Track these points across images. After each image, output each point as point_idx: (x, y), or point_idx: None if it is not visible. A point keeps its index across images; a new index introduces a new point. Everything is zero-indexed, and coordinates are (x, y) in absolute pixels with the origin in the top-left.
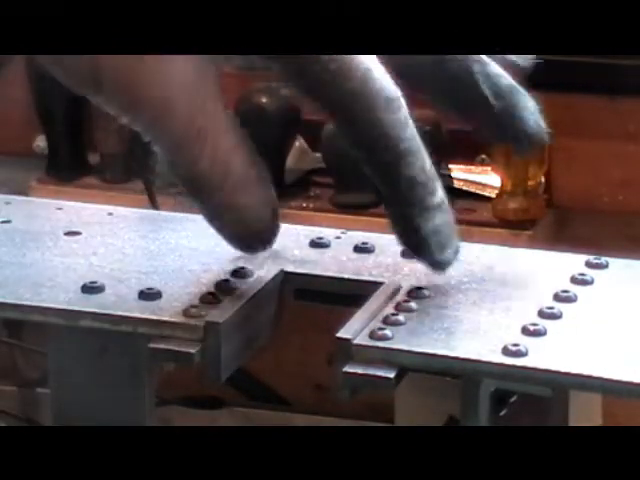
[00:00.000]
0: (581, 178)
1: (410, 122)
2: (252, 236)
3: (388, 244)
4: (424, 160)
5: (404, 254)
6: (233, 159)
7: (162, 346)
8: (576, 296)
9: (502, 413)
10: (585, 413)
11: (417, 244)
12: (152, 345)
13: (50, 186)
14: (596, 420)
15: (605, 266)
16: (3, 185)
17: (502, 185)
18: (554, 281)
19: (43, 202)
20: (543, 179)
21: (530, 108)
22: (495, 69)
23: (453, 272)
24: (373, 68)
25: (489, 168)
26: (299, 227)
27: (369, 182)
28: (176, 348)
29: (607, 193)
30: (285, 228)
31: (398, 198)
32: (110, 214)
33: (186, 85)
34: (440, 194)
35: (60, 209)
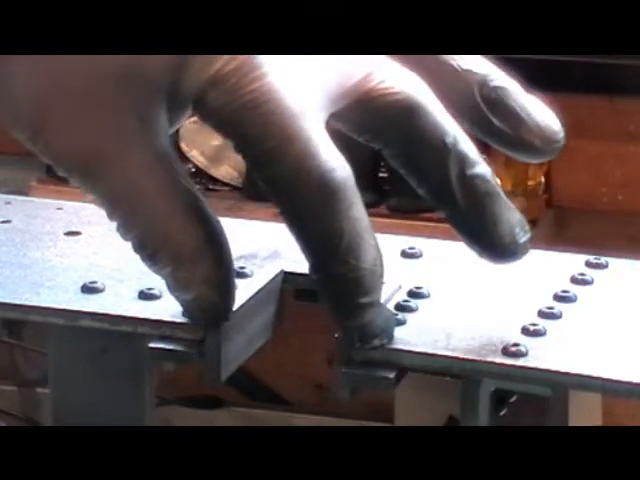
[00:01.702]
0: (581, 178)
1: (354, 212)
2: (193, 310)
3: (388, 244)
4: (365, 255)
5: (404, 254)
6: (172, 227)
7: (162, 346)
8: (576, 296)
9: (502, 413)
10: (585, 413)
11: (341, 335)
12: (152, 345)
13: (50, 186)
14: (596, 420)
15: (605, 266)
16: (3, 185)
17: (502, 185)
18: (554, 281)
19: (43, 202)
20: (543, 179)
21: (507, 220)
22: (478, 168)
23: (453, 272)
24: (313, 150)
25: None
26: None
27: (369, 182)
28: (176, 348)
29: (607, 193)
30: (285, 228)
31: (327, 291)
32: None
33: (121, 148)
34: (375, 292)
35: (60, 209)
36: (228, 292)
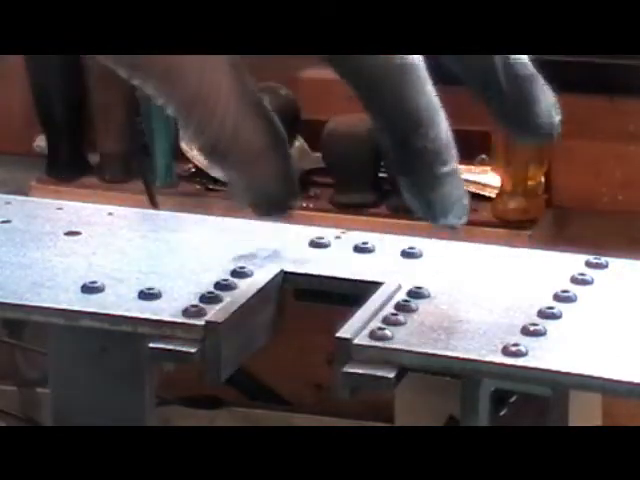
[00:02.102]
0: (581, 178)
1: (427, 87)
2: (268, 204)
3: (388, 244)
4: (439, 128)
5: (404, 254)
6: (244, 126)
7: (162, 346)
8: (576, 296)
9: (502, 413)
10: (585, 413)
11: (423, 209)
12: (152, 345)
13: (50, 186)
14: (596, 420)
15: (605, 266)
16: (3, 185)
17: (502, 185)
18: (554, 281)
19: (43, 202)
20: (543, 179)
21: (544, 100)
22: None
23: (453, 272)
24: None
25: (489, 168)
26: (299, 227)
27: (369, 182)
28: (176, 348)
29: (607, 193)
30: (285, 228)
31: (409, 167)
32: (110, 214)
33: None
34: (452, 163)
35: (60, 209)
36: (295, 186)
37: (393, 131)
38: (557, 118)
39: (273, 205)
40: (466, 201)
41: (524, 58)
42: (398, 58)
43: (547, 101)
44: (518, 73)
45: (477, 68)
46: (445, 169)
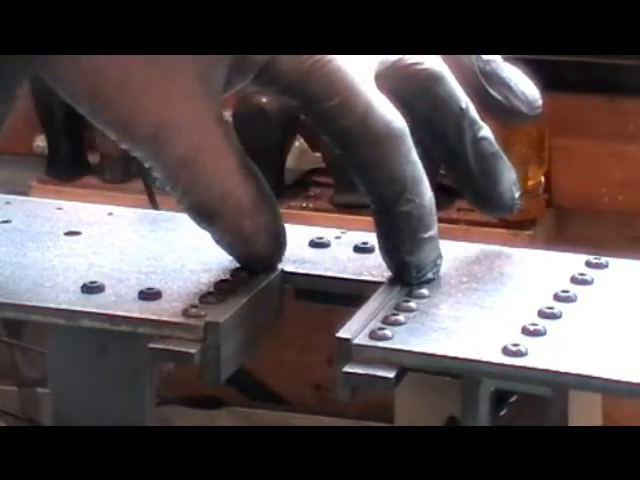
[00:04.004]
0: (581, 178)
1: (413, 155)
2: (255, 259)
3: None
4: (424, 194)
5: None
6: (232, 185)
7: (162, 346)
8: (576, 296)
9: (502, 413)
10: (585, 413)
11: (397, 269)
12: (152, 345)
13: (50, 186)
14: (596, 420)
15: (605, 266)
16: (3, 185)
17: None
18: (554, 281)
19: (43, 202)
20: (543, 179)
21: (507, 179)
22: (484, 131)
23: (453, 272)
24: (375, 103)
25: None
26: (299, 227)
27: None
28: (176, 348)
29: (607, 193)
30: (285, 228)
31: (391, 230)
32: (110, 214)
33: (185, 112)
34: (433, 229)
35: (60, 209)
36: (282, 242)
37: (378, 195)
38: (517, 194)
39: (259, 261)
40: (440, 261)
41: (490, 137)
42: (386, 126)
43: (510, 179)
44: (485, 152)
45: (448, 145)
46: (426, 235)
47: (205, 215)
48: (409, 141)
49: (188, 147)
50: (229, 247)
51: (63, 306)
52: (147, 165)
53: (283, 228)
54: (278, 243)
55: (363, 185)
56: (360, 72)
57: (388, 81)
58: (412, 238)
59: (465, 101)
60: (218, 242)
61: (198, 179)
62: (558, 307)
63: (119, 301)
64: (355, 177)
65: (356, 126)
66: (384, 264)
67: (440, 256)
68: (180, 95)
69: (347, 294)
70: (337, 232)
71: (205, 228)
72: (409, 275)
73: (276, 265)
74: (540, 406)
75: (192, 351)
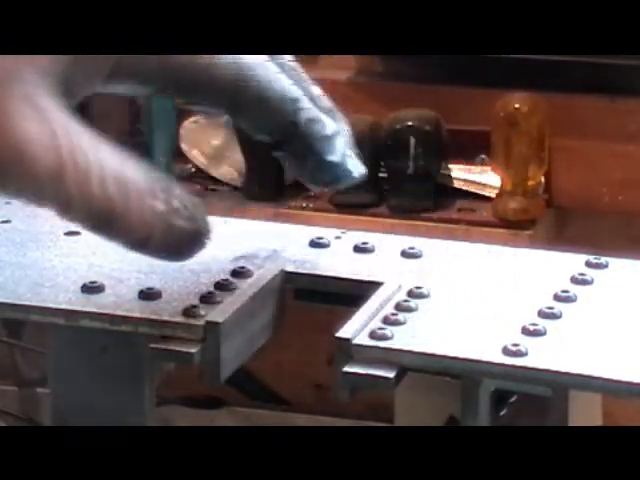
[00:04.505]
0: (581, 178)
1: (282, 76)
2: (177, 243)
3: (388, 244)
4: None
5: (404, 254)
6: (123, 171)
7: (162, 346)
8: (576, 296)
9: (502, 413)
10: (585, 413)
11: (332, 176)
12: (152, 345)
13: None
14: (596, 420)
15: (605, 266)
16: None
17: (502, 185)
18: (554, 281)
19: None
20: (543, 179)
21: (340, 153)
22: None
23: (453, 272)
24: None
25: (489, 168)
26: (299, 227)
27: (369, 182)
28: (176, 348)
29: (607, 193)
30: (285, 228)
31: (295, 142)
32: None
33: (30, 130)
34: (335, 125)
35: None
36: (201, 217)
37: (277, 119)
38: (355, 166)
39: (184, 243)
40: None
41: (324, 120)
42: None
43: (340, 146)
44: (318, 134)
45: (282, 124)
46: (331, 132)
47: (107, 226)
48: (273, 67)
49: (55, 157)
50: (150, 243)
51: (63, 306)
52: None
53: (196, 204)
54: (195, 220)
55: (259, 123)
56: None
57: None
58: (325, 139)
59: (299, 75)
60: (133, 245)
61: (68, 191)
62: (558, 307)
63: (119, 301)
64: (251, 121)
65: (226, 75)
66: (384, 264)
67: (351, 148)
68: (14, 122)
69: (347, 294)
70: (337, 232)
71: (117, 241)
72: (342, 171)
73: (202, 245)
74: (540, 406)
75: (192, 351)
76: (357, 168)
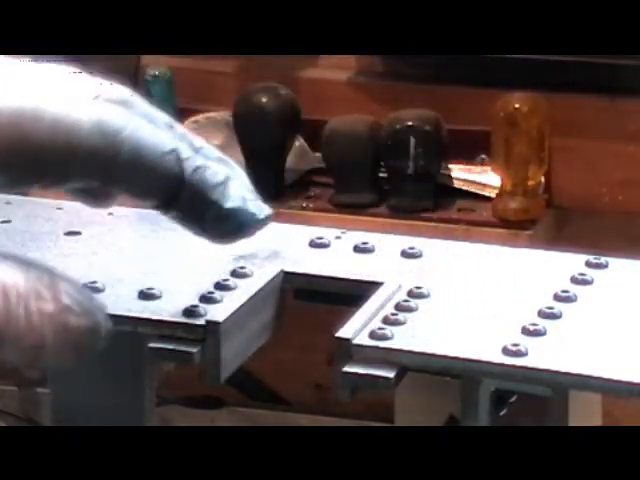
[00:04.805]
0: (581, 178)
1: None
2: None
3: (388, 244)
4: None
5: (404, 254)
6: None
7: (162, 346)
8: (576, 296)
9: (502, 413)
10: (585, 413)
11: (238, 227)
12: (152, 345)
13: None
14: (596, 420)
15: (605, 266)
16: None
17: (502, 185)
18: (554, 281)
19: (43, 202)
20: (543, 179)
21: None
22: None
23: (453, 272)
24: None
25: (489, 168)
26: (299, 227)
27: (369, 182)
28: (176, 348)
29: (607, 193)
30: (285, 228)
31: (199, 194)
32: (110, 214)
33: None
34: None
35: (60, 209)
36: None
37: (160, 180)
38: (259, 208)
39: (83, 342)
40: (252, 195)
41: (213, 166)
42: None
43: (240, 192)
44: (209, 182)
45: (166, 181)
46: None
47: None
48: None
49: None
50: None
51: None
52: None
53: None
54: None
55: (140, 187)
56: None
57: None
58: (218, 185)
59: (170, 122)
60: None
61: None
62: (558, 307)
63: (119, 301)
64: (131, 188)
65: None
66: (384, 264)
67: (250, 190)
68: None
69: (347, 294)
70: (337, 232)
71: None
72: (246, 216)
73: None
74: (540, 406)
75: (192, 351)
76: (261, 210)
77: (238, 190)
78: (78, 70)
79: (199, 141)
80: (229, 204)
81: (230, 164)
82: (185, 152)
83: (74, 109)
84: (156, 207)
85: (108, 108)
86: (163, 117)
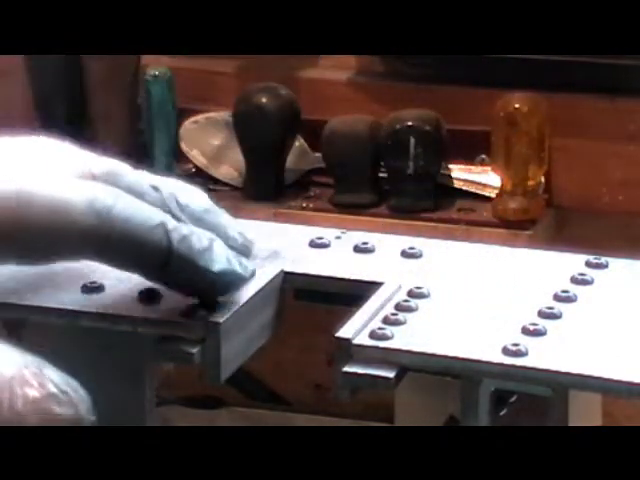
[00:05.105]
0: (581, 178)
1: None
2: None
3: (388, 244)
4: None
5: (404, 254)
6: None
7: (162, 346)
8: (576, 296)
9: (502, 413)
10: (585, 413)
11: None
12: (152, 345)
13: None
14: (596, 420)
15: (605, 266)
16: None
17: (502, 185)
18: (554, 281)
19: None
20: (543, 179)
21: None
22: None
23: (453, 272)
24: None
25: (489, 168)
26: (299, 227)
27: (369, 182)
28: (176, 348)
29: (607, 193)
30: (285, 228)
31: (184, 265)
32: None
33: None
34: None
35: None
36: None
37: (146, 254)
38: (243, 267)
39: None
40: (238, 259)
41: (198, 232)
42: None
43: (223, 257)
44: (196, 250)
45: (154, 255)
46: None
47: None
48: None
49: None
50: None
51: (63, 306)
52: None
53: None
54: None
55: (130, 261)
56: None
57: None
58: (205, 250)
59: (155, 184)
60: None
61: None
62: (558, 307)
63: (119, 301)
64: (121, 262)
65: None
66: (384, 264)
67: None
68: None
69: (347, 294)
70: (337, 232)
71: None
72: (234, 277)
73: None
74: (540, 406)
75: (192, 351)
76: (246, 268)
77: (222, 251)
78: (64, 144)
79: (186, 196)
80: (216, 267)
81: (218, 213)
82: (170, 223)
83: (66, 189)
84: (145, 277)
85: (98, 186)
86: (149, 179)
